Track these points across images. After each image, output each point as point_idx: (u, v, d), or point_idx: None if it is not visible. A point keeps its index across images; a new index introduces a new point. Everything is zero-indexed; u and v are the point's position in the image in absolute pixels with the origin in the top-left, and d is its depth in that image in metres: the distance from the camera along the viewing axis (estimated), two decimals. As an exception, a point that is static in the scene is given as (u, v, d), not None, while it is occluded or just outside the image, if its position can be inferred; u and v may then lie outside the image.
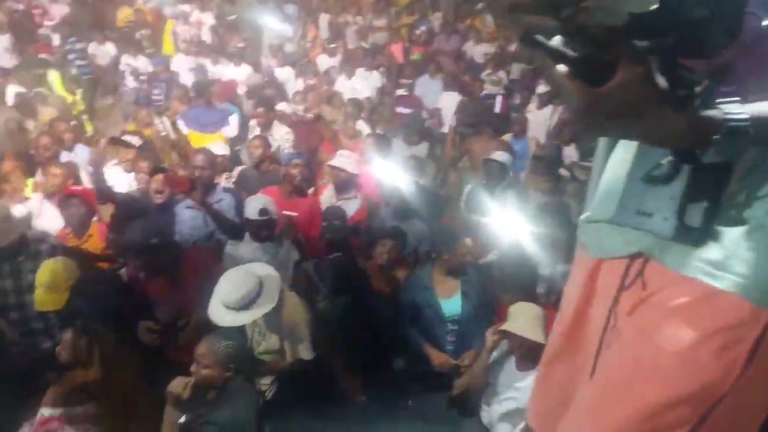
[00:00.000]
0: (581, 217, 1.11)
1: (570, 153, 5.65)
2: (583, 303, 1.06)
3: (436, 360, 3.07)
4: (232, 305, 2.69)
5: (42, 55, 7.52)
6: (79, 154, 4.73)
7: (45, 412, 2.50)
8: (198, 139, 5.40)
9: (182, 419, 2.49)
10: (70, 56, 7.81)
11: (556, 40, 0.69)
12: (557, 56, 0.69)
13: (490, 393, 2.70)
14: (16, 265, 2.99)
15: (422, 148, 5.69)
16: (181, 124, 5.74)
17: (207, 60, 7.75)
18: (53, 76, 7.06)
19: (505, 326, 2.60)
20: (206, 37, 8.83)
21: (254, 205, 3.34)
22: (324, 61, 8.40)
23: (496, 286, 3.19)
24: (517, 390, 2.56)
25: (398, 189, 3.95)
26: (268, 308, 2.76)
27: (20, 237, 3.01)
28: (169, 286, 3.06)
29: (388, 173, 4.38)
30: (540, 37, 0.68)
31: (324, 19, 9.99)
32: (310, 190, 4.51)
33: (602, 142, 1.11)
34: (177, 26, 9.03)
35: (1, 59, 7.65)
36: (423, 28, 9.81)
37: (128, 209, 3.54)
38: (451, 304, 3.13)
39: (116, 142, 4.65)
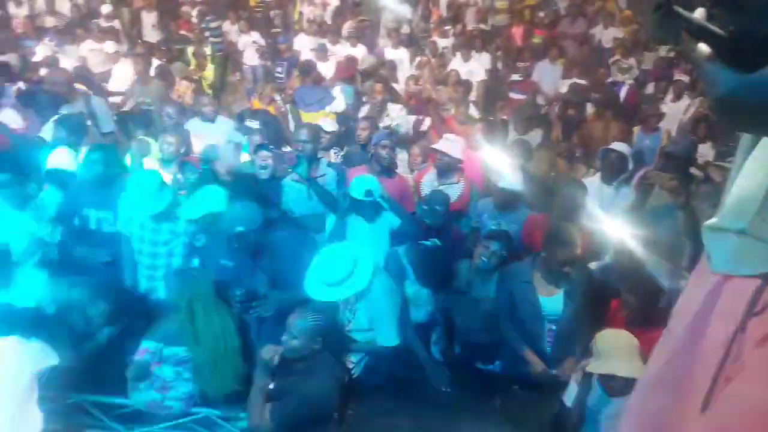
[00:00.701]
0: (707, 222, 0.94)
1: (705, 151, 5.08)
2: (699, 323, 0.90)
3: (534, 366, 2.90)
4: (326, 280, 2.75)
5: (182, 32, 8.16)
6: (219, 125, 5.03)
7: (145, 343, 2.78)
8: (305, 117, 5.56)
9: (271, 385, 2.59)
10: (206, 34, 8.41)
11: (700, 13, 0.56)
12: (700, 33, 0.56)
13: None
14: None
15: (535, 135, 5.39)
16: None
17: (326, 40, 7.95)
18: (190, 52, 7.67)
19: (591, 367, 2.37)
20: (329, 17, 9.07)
21: (361, 185, 3.35)
22: (440, 43, 8.28)
23: (607, 292, 2.94)
24: (608, 418, 2.33)
25: (504, 176, 3.77)
26: (360, 288, 2.79)
27: None
28: (271, 257, 3.16)
29: (496, 160, 4.21)
30: (680, 9, 0.56)
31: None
32: (413, 173, 4.48)
33: (745, 139, 0.93)
34: (303, 7, 9.37)
35: (148, 34, 8.42)
36: (548, 10, 9.33)
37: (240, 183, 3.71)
38: (553, 302, 2.93)
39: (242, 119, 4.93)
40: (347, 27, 8.36)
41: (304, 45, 8.00)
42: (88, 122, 4.62)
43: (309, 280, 2.80)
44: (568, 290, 2.91)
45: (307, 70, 6.26)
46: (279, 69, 7.75)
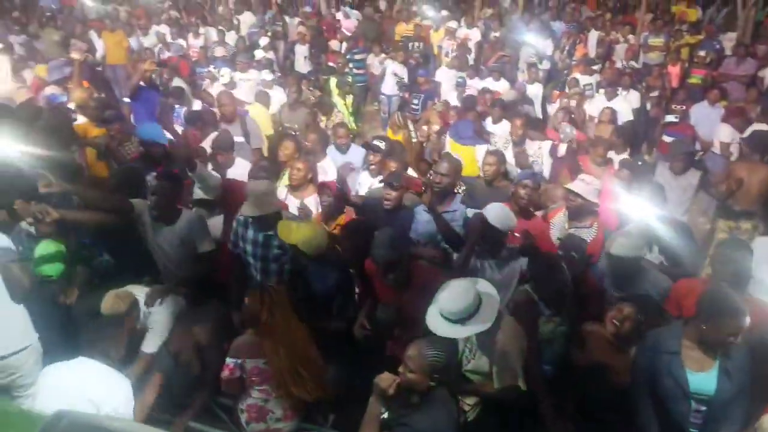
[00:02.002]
0: None
1: None
2: None
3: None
4: (448, 316, 2.68)
5: (330, 63, 8.72)
6: (352, 155, 5.29)
7: (228, 360, 2.89)
8: (458, 150, 5.55)
9: (385, 415, 2.56)
10: (350, 65, 8.91)
11: None
12: None
13: None
14: (267, 237, 3.50)
15: (690, 178, 4.85)
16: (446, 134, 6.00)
17: (466, 74, 8.00)
18: (333, 82, 8.16)
19: None
20: (469, 52, 9.15)
21: (498, 214, 3.24)
22: (583, 80, 7.95)
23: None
24: None
25: (645, 225, 3.44)
26: (483, 327, 2.67)
27: (276, 213, 3.50)
28: (396, 289, 3.17)
29: (635, 205, 3.88)
30: None
31: (594, 36, 9.46)
32: (540, 212, 4.28)
33: None
34: (444, 41, 9.57)
35: (300, 66, 9.11)
36: (708, 49, 8.58)
37: (367, 213, 3.82)
38: (704, 379, 2.52)
39: (367, 146, 5.08)
40: (490, 61, 8.37)
41: (444, 78, 8.13)
42: (242, 139, 5.11)
43: (430, 313, 2.75)
44: (725, 366, 2.50)
45: (470, 105, 6.31)
46: (415, 101, 7.95)
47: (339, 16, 10.59)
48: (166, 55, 8.91)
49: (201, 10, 10.93)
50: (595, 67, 8.21)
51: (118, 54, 8.98)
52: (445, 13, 10.44)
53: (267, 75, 7.93)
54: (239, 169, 4.61)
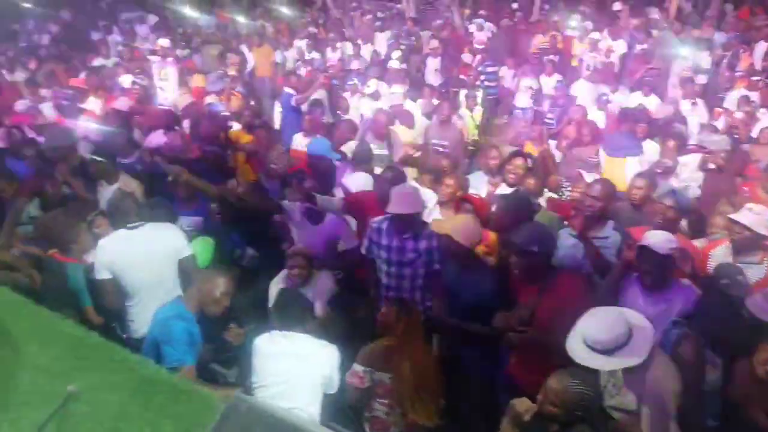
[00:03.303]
0: None
1: None
2: None
3: None
4: (593, 345, 2.49)
5: (461, 76, 8.69)
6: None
7: (358, 367, 2.91)
8: (610, 162, 5.34)
9: (518, 442, 2.45)
10: (481, 77, 8.81)
11: None
12: None
13: None
14: (402, 241, 3.55)
15: None
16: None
17: (610, 88, 7.55)
18: (462, 95, 8.11)
19: None
20: (613, 65, 8.64)
21: (658, 236, 3.01)
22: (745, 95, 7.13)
23: None
24: None
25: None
26: (633, 362, 2.46)
27: (417, 215, 3.61)
28: (536, 296, 3.04)
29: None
30: None
31: (762, 47, 8.45)
32: (701, 241, 3.86)
33: None
34: (585, 53, 9.12)
35: (431, 78, 9.18)
36: None
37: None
38: None
39: (509, 158, 4.95)
40: (636, 75, 7.82)
41: (582, 91, 7.75)
42: (386, 151, 5.26)
43: (573, 340, 2.58)
44: None
45: (626, 117, 6.03)
46: (550, 114, 7.65)
47: (472, 28, 10.54)
48: (304, 69, 9.44)
49: (339, 26, 11.46)
50: (756, 79, 7.33)
51: (265, 67, 9.70)
52: (587, 23, 9.94)
53: (398, 88, 8.10)
54: (359, 180, 4.63)
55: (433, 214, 4.22)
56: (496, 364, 3.36)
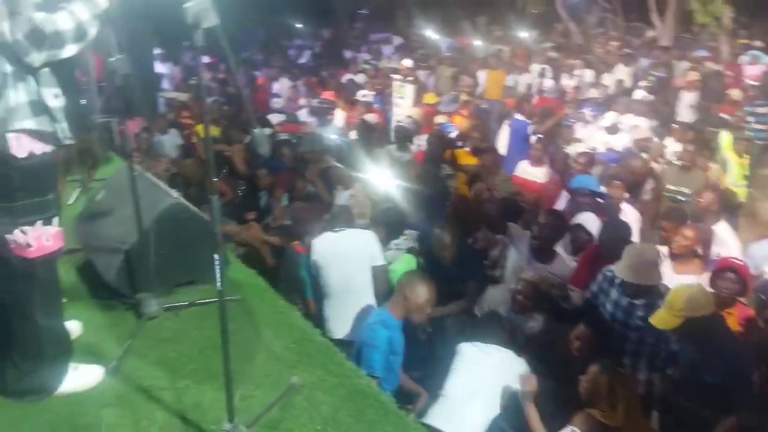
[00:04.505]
0: None
1: None
2: None
3: None
4: None
5: (723, 115, 7.51)
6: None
7: None
8: None
9: None
10: (749, 119, 7.48)
11: None
12: None
13: None
14: (632, 305, 3.12)
15: None
16: None
17: None
18: (724, 136, 6.96)
19: None
20: None
21: None
22: None
23: None
24: None
25: None
26: None
27: (653, 287, 3.09)
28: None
29: None
30: None
31: None
32: None
33: None
34: None
35: (683, 114, 8.14)
36: None
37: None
38: None
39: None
40: None
41: None
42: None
43: None
44: None
45: None
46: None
47: (744, 60, 9.07)
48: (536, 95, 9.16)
49: (580, 52, 10.92)
50: None
51: (495, 91, 9.68)
52: None
53: (642, 121, 7.33)
54: (590, 222, 4.14)
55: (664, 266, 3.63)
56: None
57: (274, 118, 7.94)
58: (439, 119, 7.34)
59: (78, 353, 2.20)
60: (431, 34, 14.22)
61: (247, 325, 2.61)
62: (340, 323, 3.51)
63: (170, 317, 2.62)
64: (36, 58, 1.77)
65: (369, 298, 3.53)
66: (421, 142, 6.69)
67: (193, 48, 1.58)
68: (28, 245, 1.87)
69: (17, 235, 1.86)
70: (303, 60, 14.75)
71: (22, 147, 1.81)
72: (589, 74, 9.82)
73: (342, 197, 4.80)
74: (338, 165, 5.21)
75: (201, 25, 1.52)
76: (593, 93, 8.72)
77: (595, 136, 6.95)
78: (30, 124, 1.81)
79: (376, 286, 3.58)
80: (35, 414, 2.01)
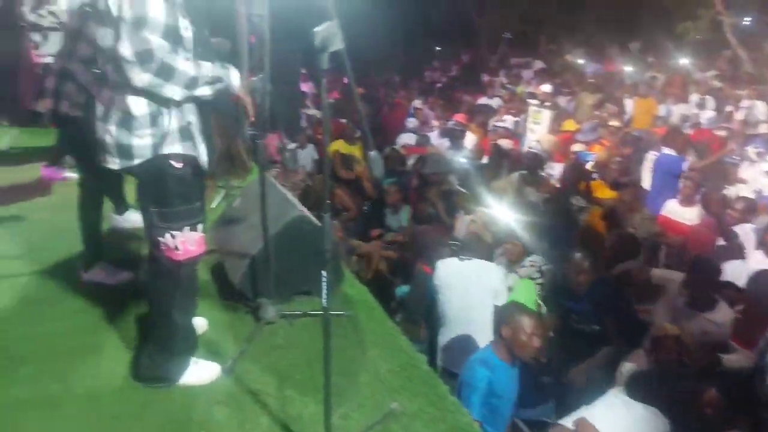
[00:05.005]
0: None
1: None
2: None
3: None
4: None
5: None
6: None
7: None
8: None
9: None
10: None
11: None
12: None
13: None
14: None
15: None
16: None
17: None
18: None
19: None
20: None
21: None
22: None
23: None
24: None
25: None
26: None
27: None
28: None
29: None
30: None
31: None
32: None
33: None
34: None
35: None
36: None
37: None
38: None
39: None
40: None
41: None
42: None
43: None
44: None
45: None
46: None
47: None
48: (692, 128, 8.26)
49: (750, 82, 9.69)
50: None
51: (644, 120, 8.94)
52: None
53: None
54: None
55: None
56: None
57: (406, 139, 8.08)
58: (576, 148, 6.94)
59: (199, 348, 2.35)
60: (575, 58, 13.61)
61: (354, 343, 2.62)
62: (451, 354, 3.39)
63: (285, 325, 2.71)
64: (138, 76, 1.80)
65: (487, 335, 3.31)
66: (552, 171, 6.37)
67: (319, 70, 1.62)
68: (176, 248, 2.05)
69: (167, 239, 2.03)
70: (439, 82, 14.92)
71: (177, 162, 1.98)
72: (761, 107, 8.69)
73: (463, 222, 4.71)
74: (461, 189, 5.13)
75: (328, 49, 1.56)
76: (764, 128, 7.67)
77: (762, 178, 6.09)
78: (177, 148, 1.98)
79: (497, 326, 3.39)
80: (157, 401, 2.17)
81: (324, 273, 1.73)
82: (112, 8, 1.79)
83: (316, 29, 1.56)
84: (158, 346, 2.21)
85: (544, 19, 16.74)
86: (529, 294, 3.62)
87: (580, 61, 13.47)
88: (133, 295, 2.78)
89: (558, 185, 6.05)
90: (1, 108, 8.40)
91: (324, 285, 1.74)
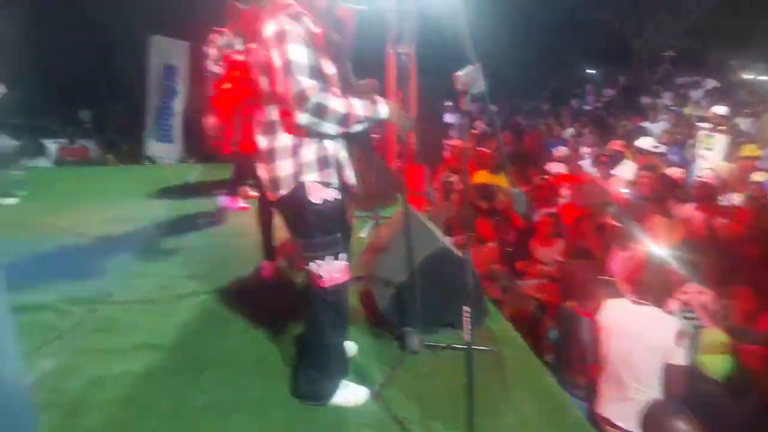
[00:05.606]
0: None
1: None
2: None
3: None
4: None
5: None
6: None
7: None
8: None
9: None
10: None
11: None
12: None
13: None
14: None
15: None
16: None
17: None
18: None
19: None
20: None
21: None
22: None
23: None
24: None
25: None
26: None
27: None
28: None
29: None
30: None
31: None
32: None
33: None
34: None
35: None
36: None
37: None
38: None
39: None
40: None
41: None
42: None
43: None
44: None
45: None
46: None
47: None
48: None
49: None
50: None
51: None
52: None
53: None
54: None
55: None
56: None
57: (555, 168, 7.75)
58: (758, 177, 6.07)
59: (349, 372, 2.48)
60: (756, 75, 12.03)
61: (499, 381, 2.56)
62: (610, 404, 3.09)
63: (429, 355, 2.74)
64: (300, 117, 1.99)
65: (653, 393, 2.94)
66: (728, 202, 5.64)
67: (458, 110, 1.66)
68: (320, 276, 2.21)
69: (312, 266, 2.21)
70: (591, 107, 14.15)
71: (316, 194, 2.16)
72: None
73: (620, 259, 4.34)
74: (617, 222, 4.75)
75: (470, 92, 1.59)
76: None
77: None
78: (314, 176, 2.15)
79: (667, 386, 2.94)
80: (309, 417, 2.32)
81: (466, 308, 1.73)
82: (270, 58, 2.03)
83: (458, 73, 1.60)
84: (313, 365, 2.38)
85: (714, 32, 15.12)
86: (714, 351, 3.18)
87: (763, 78, 11.87)
88: (295, 315, 3.03)
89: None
90: (191, 148, 9.77)
91: (467, 321, 1.74)
